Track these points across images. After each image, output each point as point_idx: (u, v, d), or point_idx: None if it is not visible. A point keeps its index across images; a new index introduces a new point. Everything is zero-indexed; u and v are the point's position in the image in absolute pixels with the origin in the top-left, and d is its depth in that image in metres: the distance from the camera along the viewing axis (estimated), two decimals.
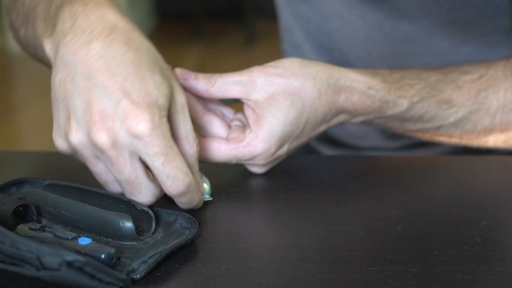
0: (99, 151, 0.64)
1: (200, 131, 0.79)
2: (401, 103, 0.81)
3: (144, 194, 0.66)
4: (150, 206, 0.66)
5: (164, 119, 0.65)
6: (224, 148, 0.76)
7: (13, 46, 3.83)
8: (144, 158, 0.64)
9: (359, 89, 0.78)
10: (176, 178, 0.65)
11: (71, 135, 0.65)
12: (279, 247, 0.66)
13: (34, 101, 3.30)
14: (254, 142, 0.75)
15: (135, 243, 0.62)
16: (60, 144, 0.68)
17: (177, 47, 4.38)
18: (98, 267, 0.55)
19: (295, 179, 0.79)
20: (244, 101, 0.77)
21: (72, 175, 0.77)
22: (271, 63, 0.77)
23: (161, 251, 0.61)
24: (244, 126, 0.78)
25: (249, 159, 0.77)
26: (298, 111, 0.76)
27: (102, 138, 0.63)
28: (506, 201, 0.76)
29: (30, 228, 0.62)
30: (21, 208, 0.66)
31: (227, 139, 0.76)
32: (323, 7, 1.04)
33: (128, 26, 0.68)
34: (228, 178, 0.80)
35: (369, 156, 0.92)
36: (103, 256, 0.58)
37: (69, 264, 0.54)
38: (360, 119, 0.81)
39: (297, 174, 0.80)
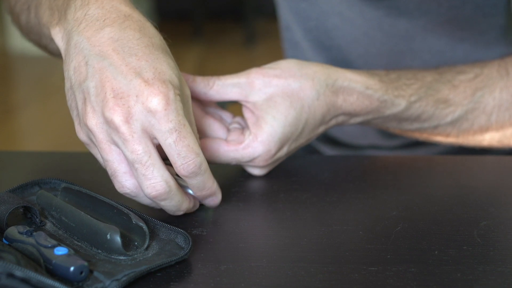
0: (113, 130, 0.63)
1: (199, 134, 0.79)
2: (399, 103, 0.81)
3: (157, 178, 0.64)
4: (150, 220, 0.65)
5: (178, 97, 0.64)
6: (223, 149, 0.76)
7: (13, 46, 3.83)
8: (156, 135, 0.63)
9: (357, 90, 0.78)
10: (187, 157, 0.64)
11: (87, 118, 0.65)
12: (279, 247, 0.66)
13: (34, 101, 3.30)
14: (253, 144, 0.75)
15: (122, 257, 0.61)
16: (79, 133, 0.67)
17: (177, 47, 4.38)
18: (40, 282, 0.55)
19: (295, 179, 0.79)
20: (243, 103, 0.77)
21: (72, 175, 0.77)
22: (269, 65, 0.77)
23: (142, 269, 0.59)
24: (243, 129, 0.78)
25: (249, 161, 0.76)
26: (297, 112, 0.76)
27: (116, 114, 0.63)
28: (506, 201, 0.77)
29: (19, 231, 0.62)
30: (21, 210, 0.66)
31: (226, 141, 0.76)
32: (322, 5, 1.04)
33: (141, 17, 0.69)
34: (228, 178, 0.80)
35: (369, 156, 0.92)
36: (72, 268, 0.57)
37: (10, 275, 0.55)
38: (359, 119, 0.81)
39: (297, 174, 0.80)
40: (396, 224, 0.69)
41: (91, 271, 0.59)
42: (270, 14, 4.10)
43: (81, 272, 0.58)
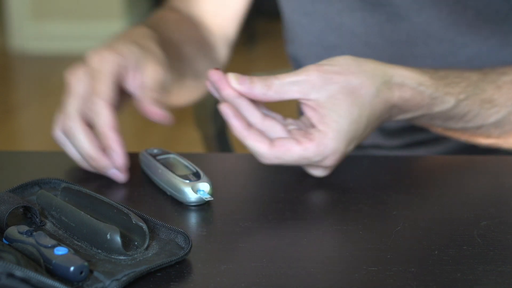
0: None
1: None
2: (448, 100, 0.81)
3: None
4: (150, 220, 0.65)
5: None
6: (296, 149, 0.74)
7: (13, 46, 3.83)
8: None
9: (410, 86, 0.78)
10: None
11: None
12: (279, 247, 0.66)
13: (34, 101, 3.30)
14: (325, 141, 0.74)
15: (122, 257, 0.61)
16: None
17: None
18: (40, 282, 0.55)
19: (295, 179, 0.79)
20: (303, 101, 0.75)
21: (72, 175, 0.77)
22: (325, 61, 0.76)
23: (142, 269, 0.60)
24: (301, 129, 0.77)
25: (320, 160, 0.75)
26: (360, 109, 0.75)
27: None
28: (506, 201, 0.77)
29: (19, 231, 0.62)
30: (21, 210, 0.66)
31: (297, 140, 0.74)
32: (322, 19, 1.04)
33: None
34: (228, 178, 0.80)
35: (370, 156, 0.92)
36: (72, 268, 0.57)
37: (10, 275, 0.55)
38: (408, 115, 0.80)
39: (297, 174, 0.80)
40: (396, 224, 0.69)
41: (91, 271, 0.59)
42: (270, 14, 4.10)
43: (81, 272, 0.58)
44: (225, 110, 0.74)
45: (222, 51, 1.11)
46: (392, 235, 0.67)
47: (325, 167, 0.76)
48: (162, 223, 0.65)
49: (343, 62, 0.76)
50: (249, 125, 0.75)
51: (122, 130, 0.76)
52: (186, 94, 1.04)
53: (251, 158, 0.79)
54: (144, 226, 0.62)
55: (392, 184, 0.79)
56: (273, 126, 0.76)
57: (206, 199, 0.72)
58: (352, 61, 0.76)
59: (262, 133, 0.75)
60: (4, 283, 0.55)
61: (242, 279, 0.60)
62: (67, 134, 0.78)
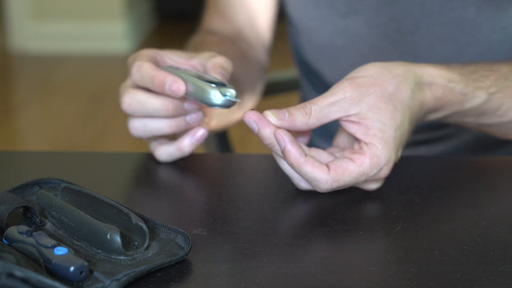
0: None
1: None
2: (479, 95, 0.80)
3: None
4: (150, 220, 0.65)
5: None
6: (352, 167, 0.72)
7: (13, 46, 3.83)
8: None
9: (440, 84, 0.77)
10: None
11: None
12: (279, 247, 0.66)
13: (34, 101, 3.30)
14: (377, 153, 0.72)
15: (122, 257, 0.61)
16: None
17: (177, 47, 4.36)
18: (40, 282, 0.56)
19: None
20: (343, 119, 0.74)
21: (72, 175, 0.77)
22: (356, 74, 0.75)
23: (142, 269, 0.60)
24: (345, 148, 0.76)
25: (376, 173, 0.73)
26: (402, 114, 0.74)
27: None
28: (506, 201, 0.77)
29: (19, 231, 0.62)
30: (21, 210, 0.66)
31: (350, 158, 0.72)
32: (330, 23, 1.04)
33: None
34: (228, 178, 0.80)
35: None
36: (72, 268, 0.58)
37: (10, 275, 0.55)
38: (440, 114, 0.79)
39: None
40: (396, 224, 0.69)
41: (91, 271, 0.59)
42: None
43: (81, 272, 0.58)
44: (281, 135, 0.71)
45: (264, 59, 1.11)
46: (392, 235, 0.67)
47: (379, 179, 0.75)
48: (162, 223, 0.65)
49: (374, 70, 0.75)
50: (305, 152, 0.72)
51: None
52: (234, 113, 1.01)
53: (251, 158, 0.79)
54: (144, 226, 0.62)
55: (392, 184, 0.79)
56: (320, 154, 0.74)
57: (235, 101, 0.73)
58: (382, 69, 0.75)
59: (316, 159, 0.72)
60: (4, 283, 0.55)
61: (242, 279, 0.60)
62: (134, 105, 0.79)
